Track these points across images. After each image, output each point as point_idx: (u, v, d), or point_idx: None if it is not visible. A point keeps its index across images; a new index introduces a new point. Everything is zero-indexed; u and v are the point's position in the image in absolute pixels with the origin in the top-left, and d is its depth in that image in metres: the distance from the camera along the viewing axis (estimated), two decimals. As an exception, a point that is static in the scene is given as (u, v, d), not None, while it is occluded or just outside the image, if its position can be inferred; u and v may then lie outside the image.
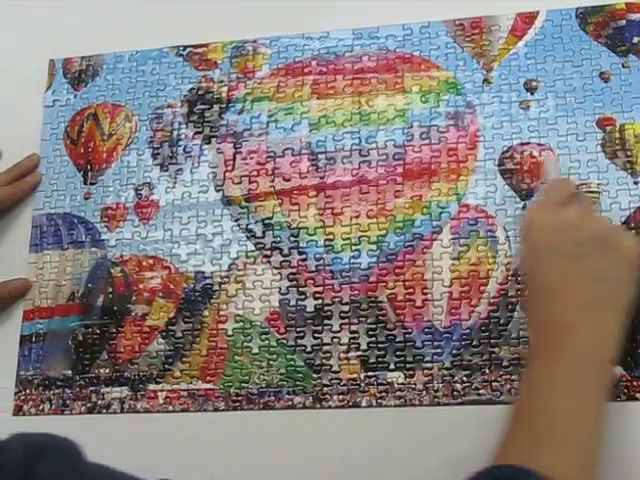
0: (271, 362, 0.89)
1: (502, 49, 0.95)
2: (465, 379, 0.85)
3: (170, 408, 0.90)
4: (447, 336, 0.87)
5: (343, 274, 0.91)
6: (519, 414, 0.74)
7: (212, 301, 0.93)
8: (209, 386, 0.90)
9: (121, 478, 0.62)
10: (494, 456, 0.71)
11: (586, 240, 0.77)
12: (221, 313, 0.92)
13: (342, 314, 0.89)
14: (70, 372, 0.93)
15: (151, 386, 0.91)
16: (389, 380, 0.86)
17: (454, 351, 0.86)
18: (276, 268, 0.93)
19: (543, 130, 0.91)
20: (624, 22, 0.94)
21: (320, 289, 0.91)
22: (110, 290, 0.96)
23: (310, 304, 0.90)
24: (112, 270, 0.96)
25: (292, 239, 0.93)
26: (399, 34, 0.99)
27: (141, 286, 0.95)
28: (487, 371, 0.85)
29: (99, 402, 0.92)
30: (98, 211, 0.99)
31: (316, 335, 0.89)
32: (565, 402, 0.71)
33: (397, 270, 0.90)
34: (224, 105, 1.00)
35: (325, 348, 0.89)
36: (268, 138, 0.97)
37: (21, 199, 1.01)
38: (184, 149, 1.00)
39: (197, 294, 0.93)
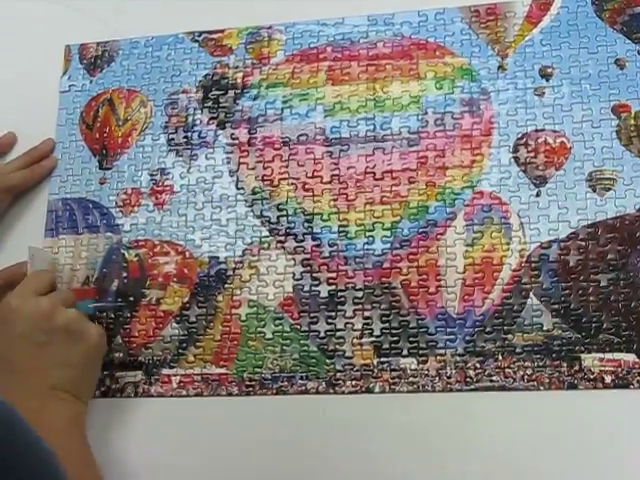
0: (284, 347, 0.90)
1: (517, 36, 0.95)
2: (478, 365, 0.85)
3: (184, 393, 0.91)
4: (460, 322, 0.87)
5: (357, 260, 0.91)
6: None
7: (226, 286, 0.93)
8: (222, 371, 0.90)
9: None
10: None
11: (55, 329, 0.85)
12: (235, 298, 0.92)
13: (356, 300, 0.89)
14: (85, 356, 0.94)
15: (165, 370, 0.92)
16: (402, 366, 0.87)
17: (467, 337, 0.86)
18: (290, 254, 0.93)
19: (558, 117, 0.91)
20: (640, 9, 0.94)
21: (334, 275, 0.91)
22: (125, 275, 0.96)
23: (324, 290, 0.91)
24: (127, 255, 0.97)
25: (306, 225, 0.93)
26: (414, 20, 0.98)
27: (155, 271, 0.96)
28: (500, 358, 0.85)
29: (113, 386, 0.92)
30: (113, 196, 1.00)
31: (330, 321, 0.89)
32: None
33: (411, 256, 0.90)
34: (239, 91, 1.00)
35: (338, 334, 0.89)
36: (283, 124, 0.97)
37: (37, 183, 1.02)
38: (199, 134, 1.00)
39: (211, 279, 0.94)
